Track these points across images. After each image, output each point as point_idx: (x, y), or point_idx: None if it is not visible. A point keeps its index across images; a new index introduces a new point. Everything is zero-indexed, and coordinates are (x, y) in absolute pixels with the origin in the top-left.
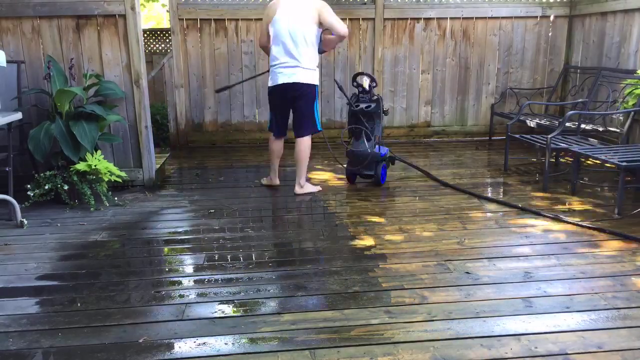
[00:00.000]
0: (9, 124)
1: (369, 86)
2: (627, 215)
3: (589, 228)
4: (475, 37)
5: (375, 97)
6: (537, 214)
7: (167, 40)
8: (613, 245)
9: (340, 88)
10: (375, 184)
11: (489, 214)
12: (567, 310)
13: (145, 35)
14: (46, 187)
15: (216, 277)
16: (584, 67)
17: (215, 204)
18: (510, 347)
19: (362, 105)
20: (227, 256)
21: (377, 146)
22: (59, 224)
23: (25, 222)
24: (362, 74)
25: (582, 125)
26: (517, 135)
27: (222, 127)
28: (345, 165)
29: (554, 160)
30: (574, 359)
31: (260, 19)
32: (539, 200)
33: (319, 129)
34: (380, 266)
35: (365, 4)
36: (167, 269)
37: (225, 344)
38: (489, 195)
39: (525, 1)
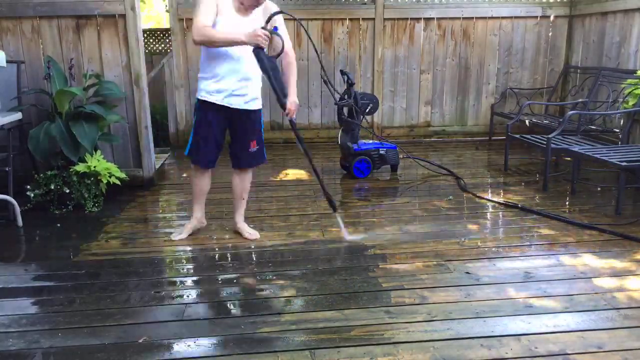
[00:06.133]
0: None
1: (349, 83)
2: (627, 215)
3: (589, 228)
4: (476, 37)
5: (353, 94)
6: (537, 213)
7: (167, 41)
8: (613, 245)
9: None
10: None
11: (489, 214)
12: (567, 310)
13: (145, 35)
14: (46, 188)
15: (216, 277)
16: (584, 67)
17: (214, 203)
18: (510, 347)
19: (339, 100)
20: (226, 256)
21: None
22: (59, 224)
23: (25, 222)
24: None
25: (582, 126)
26: (517, 135)
27: None
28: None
29: (554, 160)
30: (574, 359)
31: None
32: (539, 200)
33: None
34: (380, 266)
35: (365, 4)
36: (167, 269)
37: (225, 344)
38: (489, 195)
39: (525, 1)
